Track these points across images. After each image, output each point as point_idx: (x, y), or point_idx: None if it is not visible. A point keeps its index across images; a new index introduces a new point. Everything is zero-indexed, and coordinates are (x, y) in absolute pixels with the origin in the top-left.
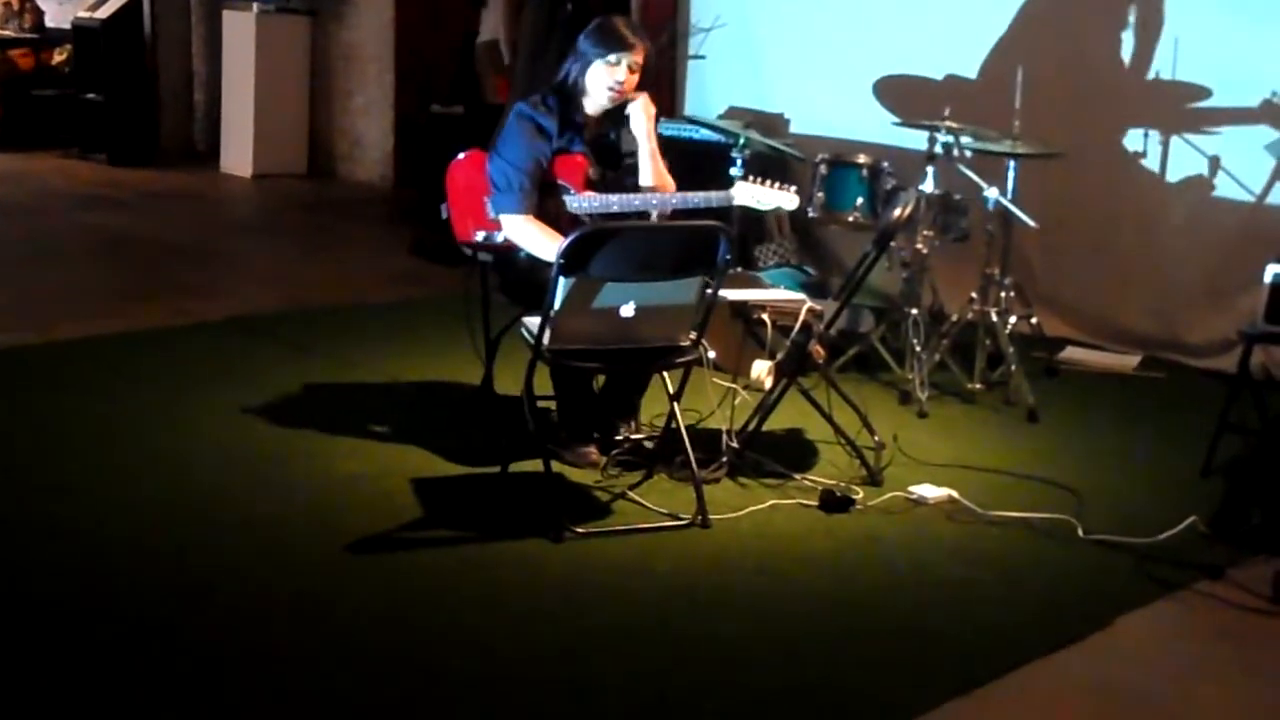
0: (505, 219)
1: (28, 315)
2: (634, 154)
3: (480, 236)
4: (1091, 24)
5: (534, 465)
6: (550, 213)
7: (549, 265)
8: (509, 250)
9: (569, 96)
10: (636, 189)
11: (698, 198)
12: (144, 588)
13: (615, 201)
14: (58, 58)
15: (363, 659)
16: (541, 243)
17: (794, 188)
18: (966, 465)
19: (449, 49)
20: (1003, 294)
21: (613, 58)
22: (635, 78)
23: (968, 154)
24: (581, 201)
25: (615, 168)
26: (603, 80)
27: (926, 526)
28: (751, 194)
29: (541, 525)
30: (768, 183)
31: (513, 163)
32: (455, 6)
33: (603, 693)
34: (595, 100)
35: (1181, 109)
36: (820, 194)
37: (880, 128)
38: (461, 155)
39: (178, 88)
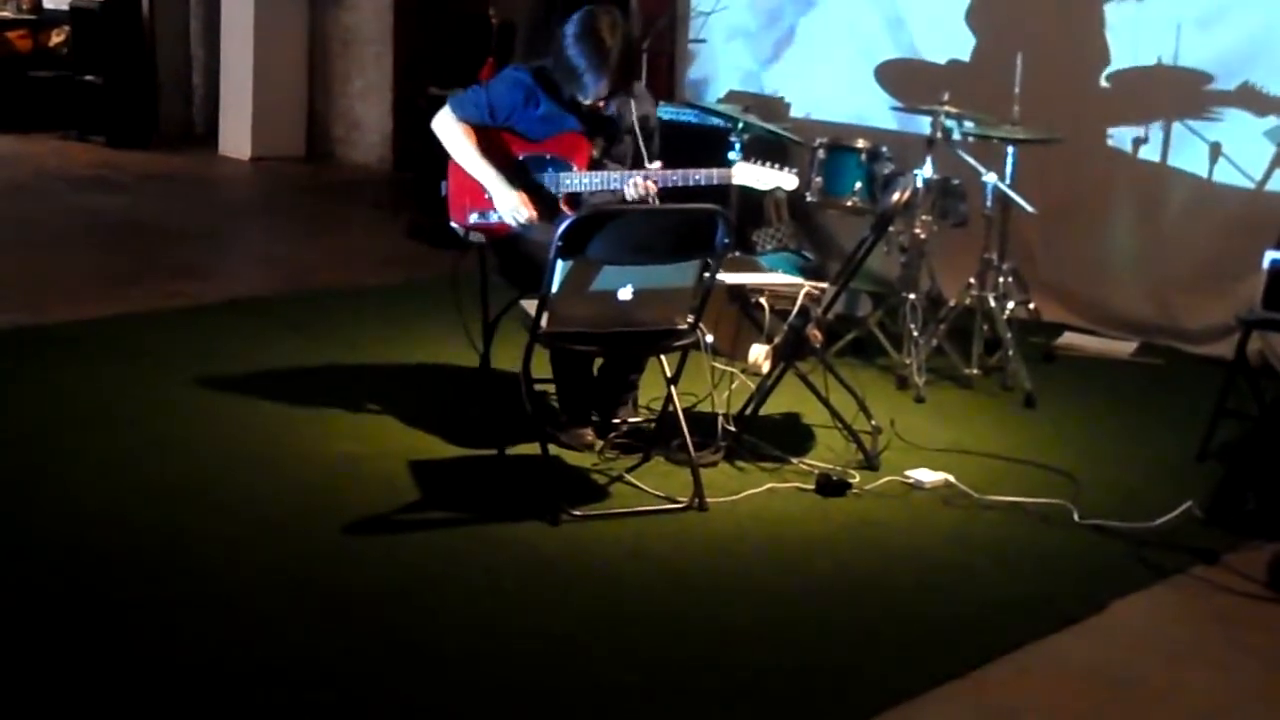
0: (446, 111)
1: (25, 297)
2: (633, 130)
3: (474, 217)
4: (1092, 9)
5: (531, 448)
6: (545, 192)
7: (547, 247)
8: (503, 232)
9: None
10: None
11: (699, 175)
12: (141, 569)
13: (616, 179)
14: (55, 39)
15: (359, 639)
16: (460, 144)
17: (795, 169)
18: (963, 450)
19: (448, 32)
20: (1001, 279)
21: (588, 92)
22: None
23: (968, 139)
24: (582, 179)
25: (613, 141)
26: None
27: (923, 511)
28: (751, 174)
29: (539, 508)
30: (767, 164)
31: (490, 93)
32: None
33: (599, 674)
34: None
35: (1182, 95)
36: (819, 178)
37: (880, 112)
38: None
39: (176, 70)
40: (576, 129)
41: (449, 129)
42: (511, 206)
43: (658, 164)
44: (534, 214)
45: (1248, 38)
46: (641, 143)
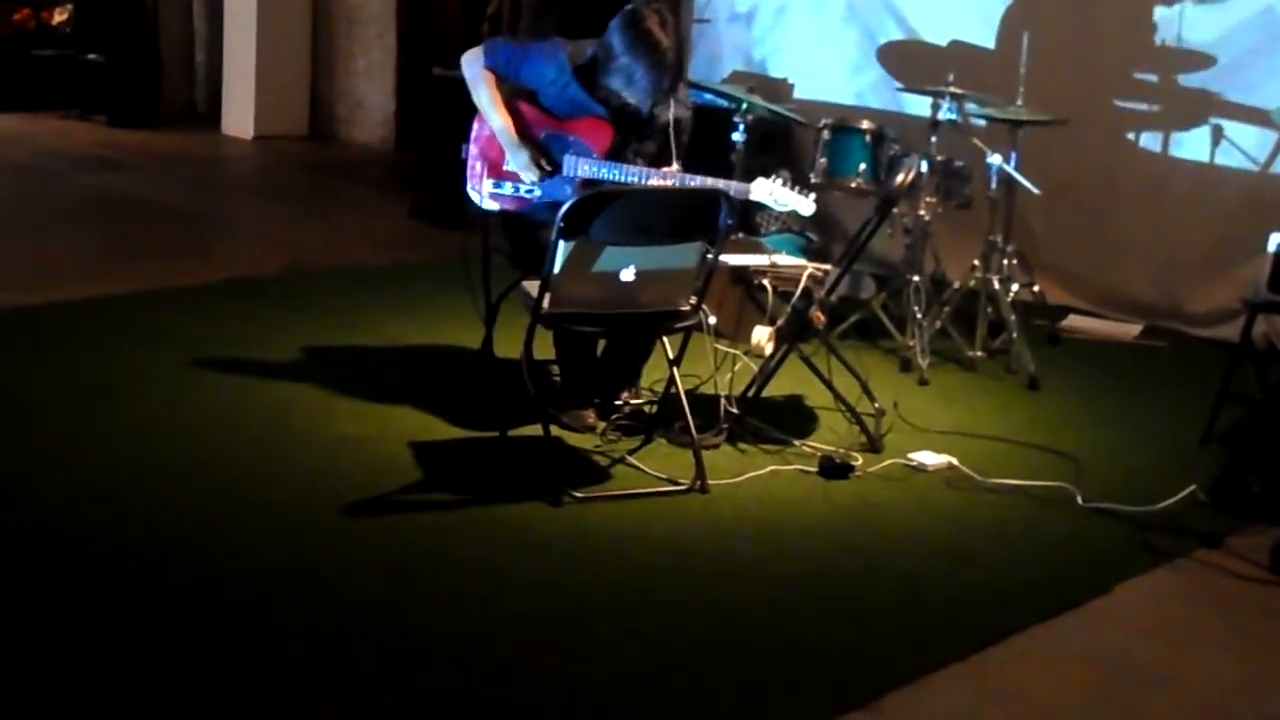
0: (477, 51)
1: (26, 276)
2: (665, 131)
3: (490, 186)
4: None
5: (533, 429)
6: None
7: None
8: (517, 209)
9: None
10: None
11: (718, 185)
12: (138, 548)
13: (635, 174)
14: (58, 18)
15: (360, 621)
16: (481, 88)
17: (813, 195)
18: (966, 433)
19: (452, 12)
20: (1005, 261)
21: (646, 95)
22: None
23: (973, 121)
24: (600, 168)
25: (639, 136)
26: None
27: (926, 493)
28: (769, 192)
29: (540, 489)
30: (788, 184)
31: (527, 54)
32: None
33: (600, 656)
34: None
35: (1186, 77)
36: (823, 160)
37: (884, 93)
38: None
39: (179, 48)
40: (602, 115)
41: (474, 71)
42: (523, 163)
43: (676, 166)
44: (540, 175)
45: (1251, 19)
46: (671, 143)
